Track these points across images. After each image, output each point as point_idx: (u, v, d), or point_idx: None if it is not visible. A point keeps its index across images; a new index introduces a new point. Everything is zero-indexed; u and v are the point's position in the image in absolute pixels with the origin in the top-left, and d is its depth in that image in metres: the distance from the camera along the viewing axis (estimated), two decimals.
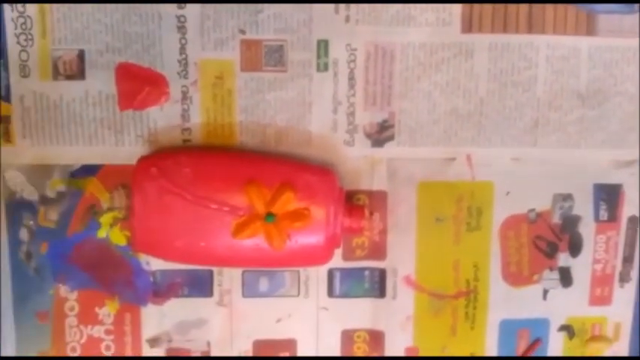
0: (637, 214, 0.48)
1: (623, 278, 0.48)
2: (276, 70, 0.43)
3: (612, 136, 0.46)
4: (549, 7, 0.44)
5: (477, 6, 0.44)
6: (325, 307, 0.47)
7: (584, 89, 0.45)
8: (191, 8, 0.42)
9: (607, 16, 0.45)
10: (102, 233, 0.44)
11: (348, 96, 0.44)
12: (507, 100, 0.45)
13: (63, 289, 0.45)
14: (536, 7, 0.44)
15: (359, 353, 0.47)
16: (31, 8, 0.41)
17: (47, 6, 0.41)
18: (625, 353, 0.49)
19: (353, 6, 0.43)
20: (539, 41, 0.44)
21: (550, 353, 0.49)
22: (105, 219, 0.44)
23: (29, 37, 0.42)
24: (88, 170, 0.44)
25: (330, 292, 0.46)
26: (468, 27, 0.44)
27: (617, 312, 0.49)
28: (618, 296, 0.48)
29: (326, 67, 0.44)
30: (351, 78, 0.44)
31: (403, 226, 0.46)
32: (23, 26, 0.42)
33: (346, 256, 0.46)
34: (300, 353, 0.47)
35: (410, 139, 0.45)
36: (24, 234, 0.44)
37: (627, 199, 0.47)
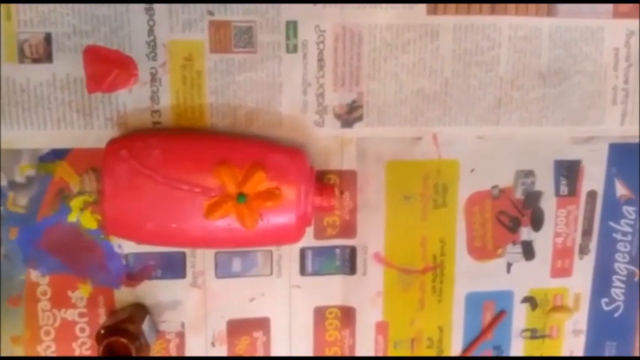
0: (595, 189, 0.50)
1: (583, 250, 0.50)
2: (246, 51, 0.44)
3: (572, 114, 0.48)
4: None
5: None
6: (298, 285, 0.47)
7: (545, 68, 0.47)
8: None
9: None
10: (72, 217, 0.44)
11: (318, 77, 0.45)
12: (471, 79, 0.46)
13: (34, 274, 0.44)
14: None
15: (331, 329, 0.48)
16: None
17: None
18: (585, 322, 0.51)
19: None
20: (501, 22, 0.46)
21: (514, 324, 0.51)
22: (75, 203, 0.44)
23: None
24: (57, 154, 0.43)
25: (303, 271, 0.47)
26: (433, 9, 0.45)
27: (577, 283, 0.51)
28: (578, 268, 0.50)
29: (295, 49, 0.44)
30: (320, 59, 0.44)
31: (372, 205, 0.47)
32: None
33: (318, 235, 0.47)
34: (273, 331, 0.48)
35: (378, 119, 0.46)
36: None
37: (586, 174, 0.49)
